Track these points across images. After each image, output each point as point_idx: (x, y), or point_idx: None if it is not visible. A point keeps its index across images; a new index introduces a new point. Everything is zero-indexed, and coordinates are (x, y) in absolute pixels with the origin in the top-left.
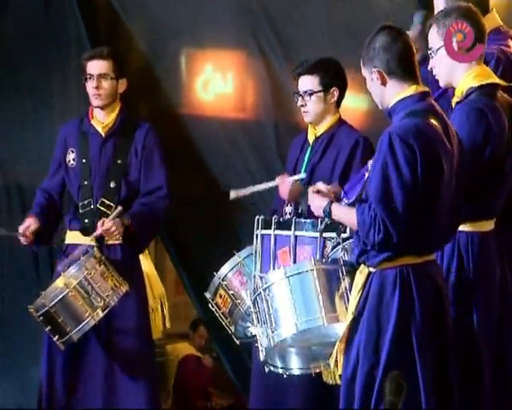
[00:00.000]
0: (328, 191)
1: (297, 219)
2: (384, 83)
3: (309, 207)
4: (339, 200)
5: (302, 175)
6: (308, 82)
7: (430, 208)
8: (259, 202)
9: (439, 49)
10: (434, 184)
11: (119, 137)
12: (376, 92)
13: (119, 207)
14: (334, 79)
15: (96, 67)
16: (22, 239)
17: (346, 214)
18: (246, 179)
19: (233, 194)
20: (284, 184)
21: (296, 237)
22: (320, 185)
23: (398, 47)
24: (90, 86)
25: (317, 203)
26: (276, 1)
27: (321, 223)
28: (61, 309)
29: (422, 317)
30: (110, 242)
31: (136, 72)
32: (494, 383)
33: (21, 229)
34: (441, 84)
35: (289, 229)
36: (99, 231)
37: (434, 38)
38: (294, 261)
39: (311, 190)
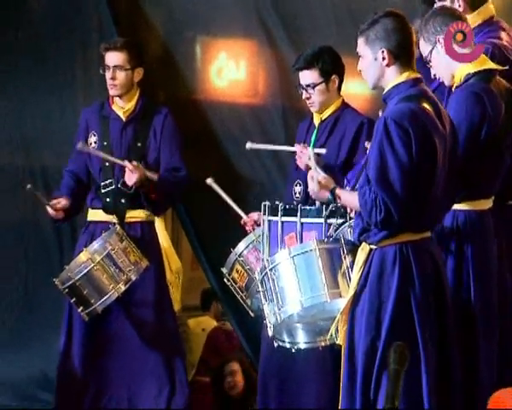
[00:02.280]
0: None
1: (302, 207)
2: (389, 64)
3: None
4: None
5: (323, 150)
6: (309, 76)
7: (426, 187)
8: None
9: (431, 51)
10: (429, 164)
11: (139, 121)
12: (375, 72)
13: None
14: (332, 67)
15: (111, 58)
16: (52, 212)
17: (349, 198)
18: (253, 160)
19: (249, 145)
20: (304, 154)
21: (302, 223)
22: (319, 177)
23: (409, 34)
24: (107, 77)
25: (321, 189)
26: None
27: (325, 209)
28: (86, 282)
29: (422, 290)
30: (131, 220)
31: (155, 59)
32: (491, 356)
33: (52, 202)
34: (447, 84)
35: (295, 215)
36: (126, 163)
37: (423, 45)
38: None
39: (312, 176)
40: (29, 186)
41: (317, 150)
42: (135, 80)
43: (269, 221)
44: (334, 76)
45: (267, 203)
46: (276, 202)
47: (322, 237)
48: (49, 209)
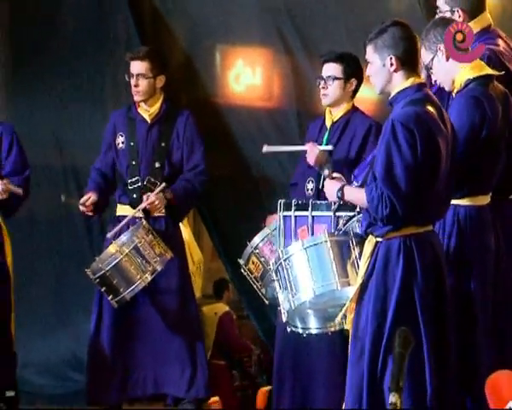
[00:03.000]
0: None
1: (313, 201)
2: (397, 70)
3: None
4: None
5: (330, 147)
6: (332, 68)
7: (430, 184)
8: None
9: (432, 58)
10: (433, 163)
11: (163, 123)
12: (383, 77)
13: (163, 184)
14: (354, 71)
15: (135, 67)
16: (83, 209)
17: (357, 194)
18: (270, 160)
19: (265, 148)
20: (313, 151)
21: (313, 217)
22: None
23: (415, 42)
24: (132, 84)
25: (330, 189)
26: (299, 3)
27: (334, 204)
28: (116, 272)
29: (424, 280)
30: (156, 214)
31: (177, 66)
32: (489, 348)
33: (83, 200)
34: (447, 89)
35: (307, 210)
36: (144, 204)
37: (425, 54)
38: None
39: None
40: (63, 198)
41: (325, 147)
42: (157, 86)
43: (283, 216)
44: (353, 79)
45: (282, 201)
46: (290, 200)
47: (331, 230)
48: (81, 207)
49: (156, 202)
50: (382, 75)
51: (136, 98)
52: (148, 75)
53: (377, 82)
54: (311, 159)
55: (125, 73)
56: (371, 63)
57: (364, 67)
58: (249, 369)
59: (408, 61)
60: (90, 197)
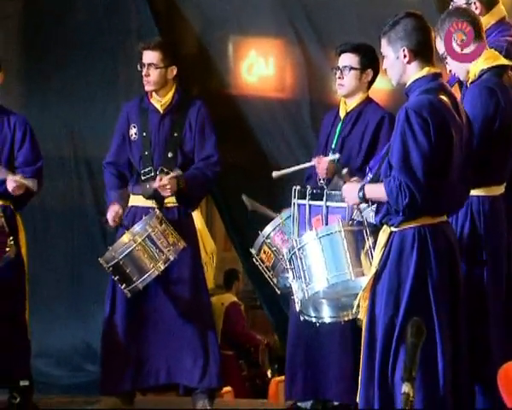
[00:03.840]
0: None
1: (328, 192)
2: (410, 62)
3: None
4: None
5: (336, 156)
6: (349, 59)
7: (444, 173)
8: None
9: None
10: (446, 151)
11: (176, 113)
12: (398, 69)
13: (179, 171)
14: (371, 62)
15: (146, 56)
16: (112, 224)
17: (377, 189)
18: (283, 149)
19: (275, 174)
20: (321, 163)
21: (328, 207)
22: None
23: (428, 33)
24: (143, 73)
25: (350, 192)
26: None
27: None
28: (129, 261)
29: (437, 270)
30: (166, 196)
31: (190, 56)
32: (501, 338)
33: (111, 218)
34: (462, 79)
35: (322, 200)
36: (156, 183)
37: (440, 44)
38: None
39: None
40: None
41: (332, 157)
42: (168, 77)
43: (298, 204)
44: (369, 70)
45: (297, 188)
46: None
47: (345, 220)
48: (111, 223)
49: (167, 186)
50: (397, 67)
51: (147, 88)
52: (160, 65)
53: (393, 74)
54: (321, 172)
55: (137, 64)
56: (386, 56)
57: (381, 59)
58: (256, 359)
59: (421, 51)
60: (117, 213)
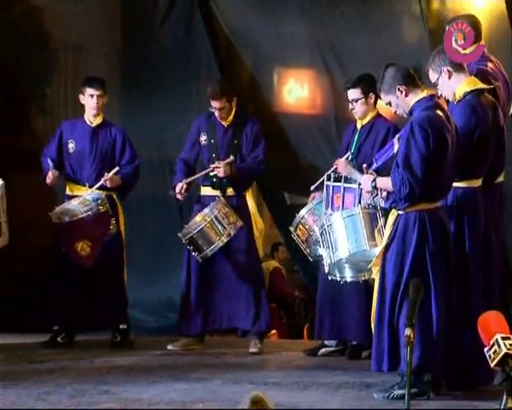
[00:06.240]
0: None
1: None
2: (407, 94)
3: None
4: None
5: (349, 154)
6: (354, 93)
7: (439, 170)
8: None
9: (438, 78)
10: (442, 154)
11: (236, 126)
12: (402, 105)
13: (232, 158)
14: (370, 87)
15: (215, 104)
16: (179, 196)
17: (385, 181)
18: (315, 153)
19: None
20: (340, 164)
21: (344, 187)
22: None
23: (406, 69)
24: (215, 114)
25: (366, 182)
26: (336, 36)
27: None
28: (200, 235)
29: (433, 243)
30: (229, 193)
31: (245, 83)
32: (480, 286)
33: (178, 189)
34: (450, 100)
35: (341, 181)
36: (214, 165)
37: (432, 74)
38: (343, 203)
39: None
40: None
41: (345, 157)
42: (232, 106)
43: (327, 185)
44: (371, 94)
45: (331, 173)
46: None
47: (356, 198)
48: (178, 196)
49: (221, 168)
50: (401, 104)
51: (223, 122)
52: (225, 106)
53: (401, 111)
54: (342, 170)
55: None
56: (391, 103)
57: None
58: (293, 310)
59: (410, 82)
60: (182, 187)
